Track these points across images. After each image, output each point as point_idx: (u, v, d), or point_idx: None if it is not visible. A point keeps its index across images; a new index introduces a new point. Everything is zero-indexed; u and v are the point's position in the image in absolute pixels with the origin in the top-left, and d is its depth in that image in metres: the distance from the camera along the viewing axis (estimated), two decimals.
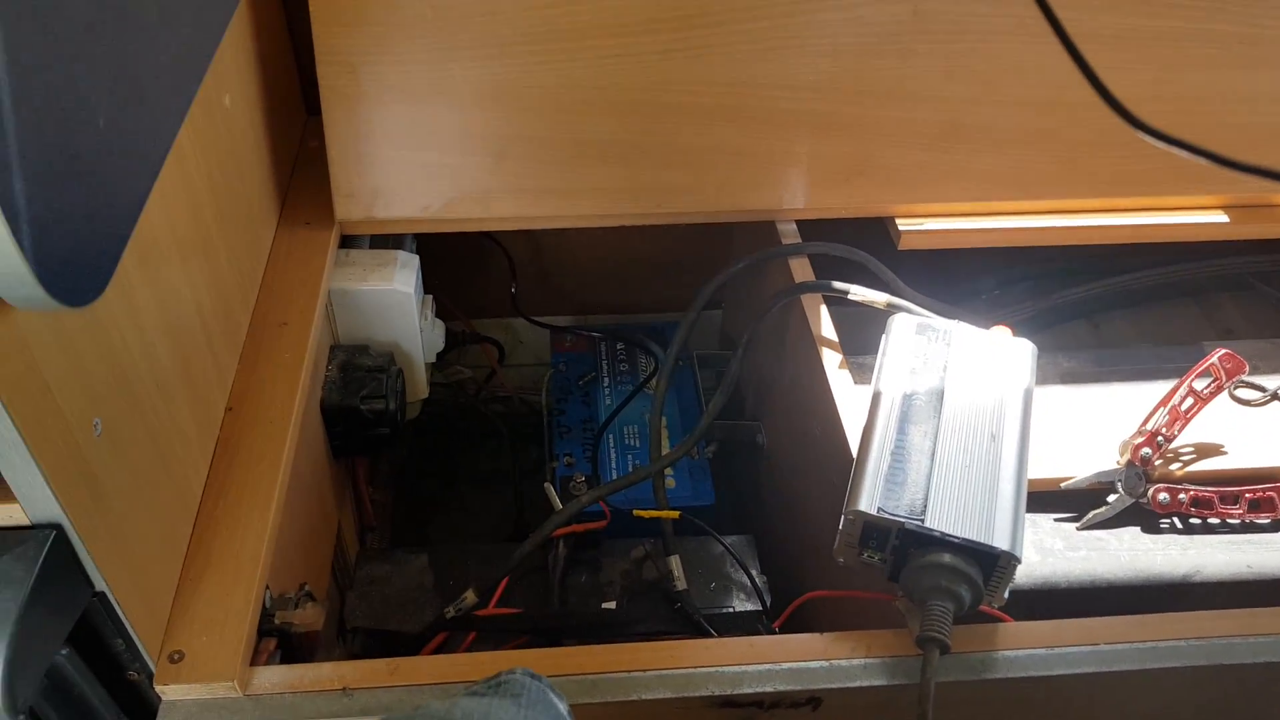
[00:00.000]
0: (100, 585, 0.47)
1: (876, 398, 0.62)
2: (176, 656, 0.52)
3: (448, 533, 1.00)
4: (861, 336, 0.77)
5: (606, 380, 0.97)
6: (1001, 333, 0.68)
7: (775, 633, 0.70)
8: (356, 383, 0.78)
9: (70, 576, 0.45)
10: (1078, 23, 0.73)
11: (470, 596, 0.72)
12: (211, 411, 0.62)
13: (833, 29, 0.73)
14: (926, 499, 0.55)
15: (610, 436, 0.91)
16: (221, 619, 0.55)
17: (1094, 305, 0.98)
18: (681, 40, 0.73)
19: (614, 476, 0.88)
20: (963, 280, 1.01)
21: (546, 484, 0.80)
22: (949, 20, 0.72)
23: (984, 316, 1.01)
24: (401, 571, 0.79)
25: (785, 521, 0.85)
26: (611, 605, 0.75)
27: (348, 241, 0.82)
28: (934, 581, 0.53)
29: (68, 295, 0.35)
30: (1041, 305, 0.98)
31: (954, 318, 0.70)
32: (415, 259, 0.82)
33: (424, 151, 0.76)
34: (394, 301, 0.79)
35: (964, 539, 0.53)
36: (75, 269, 0.36)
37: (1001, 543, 0.53)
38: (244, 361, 0.67)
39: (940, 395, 0.62)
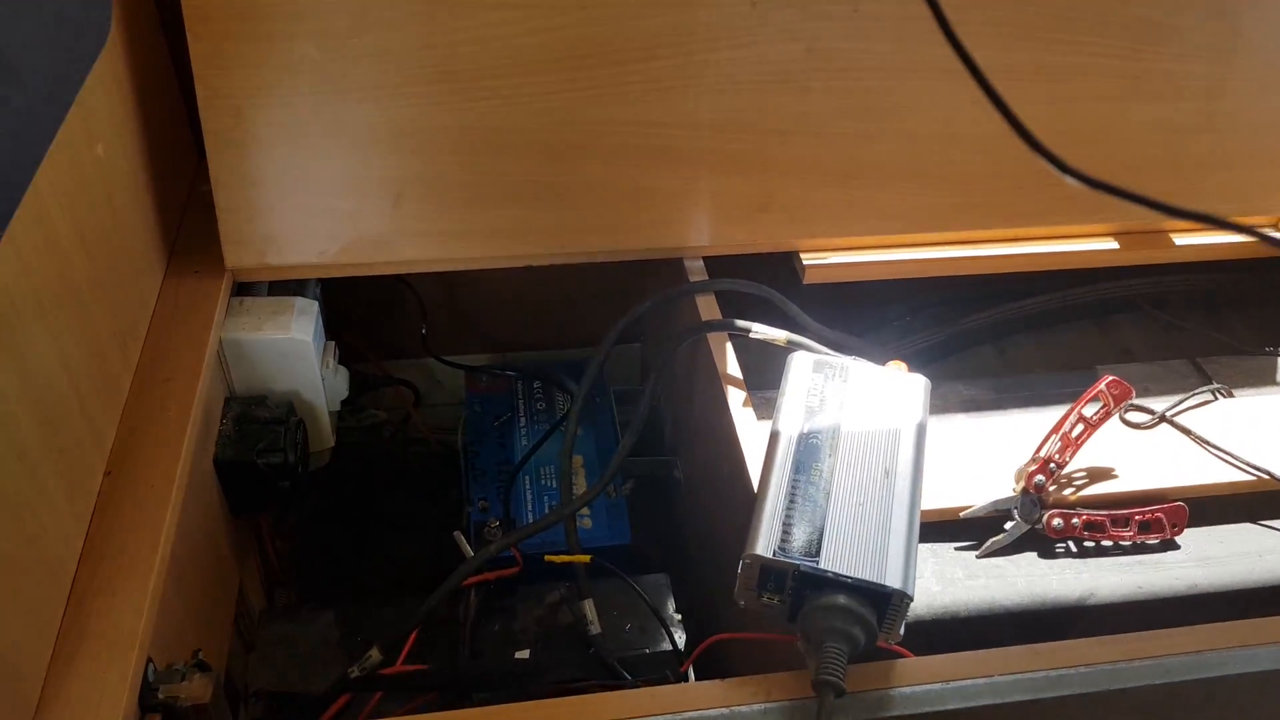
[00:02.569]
0: None
1: (774, 438, 0.62)
2: None
3: (363, 584, 0.96)
4: (770, 369, 0.77)
5: (523, 420, 0.95)
6: (896, 368, 0.68)
7: (683, 676, 0.69)
8: (253, 436, 0.75)
9: None
10: (943, 55, 0.74)
11: (375, 654, 0.69)
12: (87, 477, 0.59)
13: (729, 68, 0.72)
14: (821, 540, 0.55)
15: (526, 478, 0.89)
16: (97, 700, 0.52)
17: (999, 329, 1.00)
18: (579, 80, 0.72)
19: (529, 520, 0.86)
20: (872, 308, 1.03)
21: (456, 532, 0.78)
22: (842, 58, 0.73)
23: (893, 344, 1.03)
24: (307, 629, 0.76)
25: (702, 558, 0.84)
26: (525, 654, 0.74)
27: (244, 289, 0.80)
28: (828, 623, 0.53)
29: None
30: (948, 331, 1.00)
31: (853, 352, 0.70)
32: (314, 305, 0.79)
33: (317, 196, 0.74)
34: (291, 350, 0.77)
35: (857, 579, 0.53)
36: None
37: (894, 581, 0.53)
38: (125, 422, 0.64)
39: (836, 433, 0.62)
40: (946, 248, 0.83)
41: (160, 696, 0.56)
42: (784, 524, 0.56)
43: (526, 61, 0.71)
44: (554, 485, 0.89)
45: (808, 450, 0.60)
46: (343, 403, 0.88)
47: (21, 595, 0.50)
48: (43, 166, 0.54)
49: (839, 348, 0.79)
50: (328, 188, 0.74)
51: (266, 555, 0.85)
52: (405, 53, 0.70)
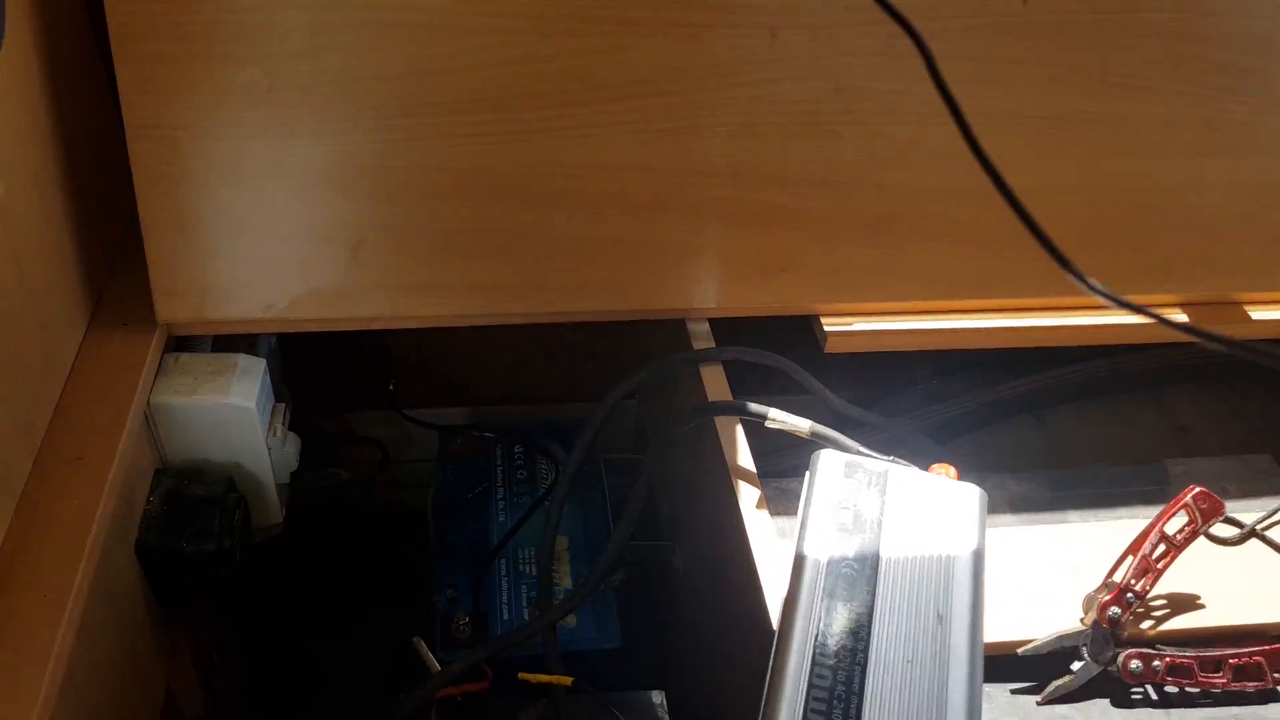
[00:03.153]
0: None
1: (800, 564, 0.51)
2: None
3: (316, 679, 0.86)
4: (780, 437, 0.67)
5: (501, 491, 0.85)
6: (944, 475, 0.57)
7: None
8: (182, 518, 0.64)
9: None
10: (1001, 101, 0.65)
11: None
12: None
13: (746, 108, 0.62)
14: (860, 714, 0.44)
15: (502, 563, 0.79)
16: None
17: (1040, 399, 0.90)
18: (568, 117, 0.62)
19: (504, 612, 0.75)
20: (897, 368, 0.93)
21: (417, 639, 0.67)
22: (875, 100, 0.63)
23: (918, 411, 0.92)
24: None
25: (703, 676, 0.73)
26: None
27: (183, 344, 0.70)
28: None
29: None
30: (982, 399, 0.90)
31: (890, 440, 0.60)
32: (261, 364, 0.69)
33: (264, 242, 0.64)
34: (231, 417, 0.67)
35: None
36: None
37: None
38: (20, 515, 0.54)
39: (875, 563, 0.51)
40: (989, 316, 0.73)
41: None
42: (810, 688, 0.46)
43: (506, 95, 0.61)
44: (533, 573, 0.78)
45: (840, 585, 0.50)
46: (301, 460, 0.78)
47: None
48: None
49: (873, 434, 0.69)
50: (277, 233, 0.64)
51: (203, 648, 0.74)
52: (365, 82, 0.60)
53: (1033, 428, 0.87)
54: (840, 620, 0.49)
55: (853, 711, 0.44)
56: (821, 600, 0.50)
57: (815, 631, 0.48)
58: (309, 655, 0.86)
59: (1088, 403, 0.86)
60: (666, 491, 0.84)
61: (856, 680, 0.46)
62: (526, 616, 0.75)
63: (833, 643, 0.48)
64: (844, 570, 0.50)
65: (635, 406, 0.98)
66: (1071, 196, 0.68)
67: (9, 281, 0.54)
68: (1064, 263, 0.38)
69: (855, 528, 0.53)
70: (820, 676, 0.47)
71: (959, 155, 0.66)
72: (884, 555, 0.52)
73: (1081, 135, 0.66)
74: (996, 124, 0.65)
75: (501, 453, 0.87)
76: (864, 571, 0.51)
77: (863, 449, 0.61)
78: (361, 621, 0.88)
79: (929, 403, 0.91)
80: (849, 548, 0.51)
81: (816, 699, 0.45)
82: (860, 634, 0.48)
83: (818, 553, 0.51)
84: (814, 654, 0.48)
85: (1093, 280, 0.39)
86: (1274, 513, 0.65)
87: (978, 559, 0.51)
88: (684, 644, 0.80)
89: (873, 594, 0.50)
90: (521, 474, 0.86)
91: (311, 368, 0.87)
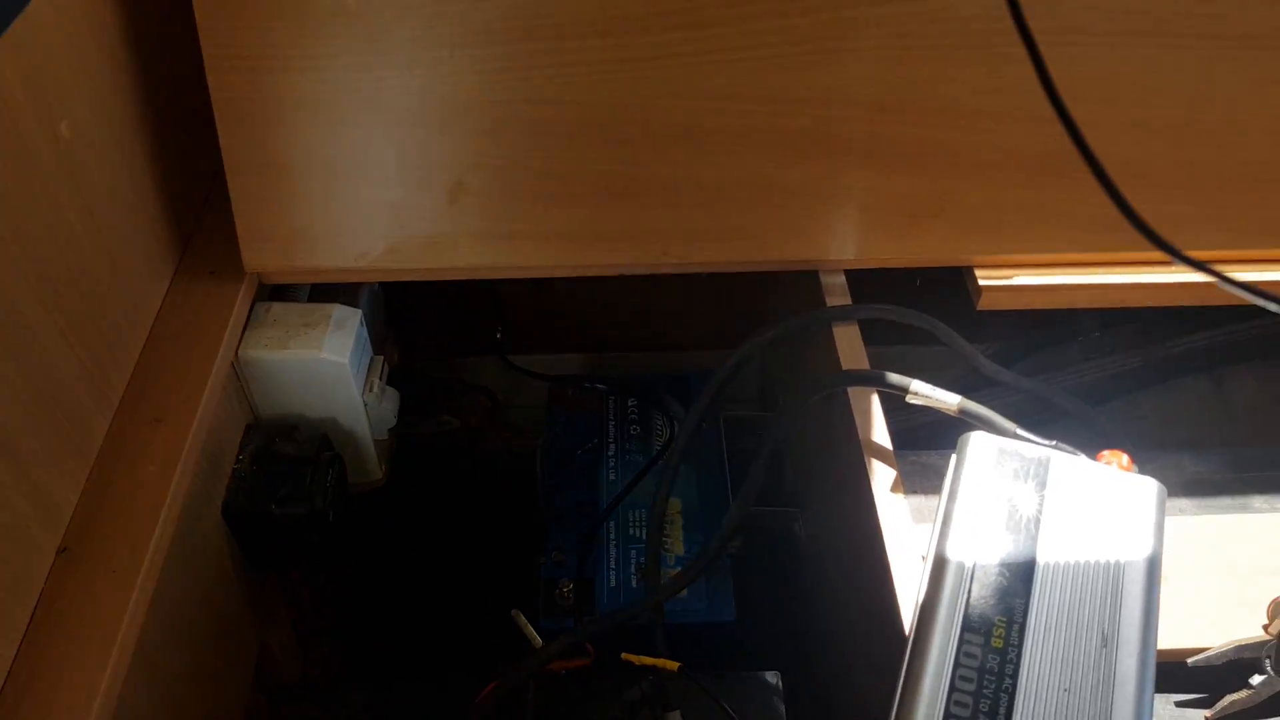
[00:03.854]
0: None
1: (941, 567, 0.44)
2: None
3: (414, 638, 0.83)
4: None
5: (612, 448, 0.79)
6: (1115, 466, 0.48)
7: None
8: (273, 479, 0.61)
9: None
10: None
11: None
12: (27, 566, 0.46)
13: (899, 27, 0.52)
14: None
15: (611, 525, 0.73)
16: None
17: (1219, 356, 0.79)
18: (694, 41, 0.54)
19: (610, 579, 0.70)
20: (1055, 317, 0.82)
21: (514, 612, 0.63)
22: (1061, 17, 0.52)
23: (1077, 366, 0.81)
24: (330, 716, 0.63)
25: (824, 658, 0.67)
26: None
27: (279, 293, 0.65)
28: None
29: None
30: (1153, 356, 0.80)
31: (1040, 402, 0.51)
32: (356, 315, 0.64)
33: (355, 183, 0.58)
34: (323, 372, 0.62)
35: None
36: None
37: None
38: (94, 479, 0.51)
39: (1030, 570, 0.44)
40: (1180, 270, 0.61)
41: None
42: (947, 716, 0.39)
43: (623, 16, 0.53)
44: (644, 537, 0.73)
45: (987, 593, 0.43)
46: (410, 407, 0.74)
47: None
48: None
49: (1013, 394, 0.60)
50: (368, 174, 0.58)
51: (299, 604, 0.72)
52: (467, 4, 0.52)
53: (1208, 389, 0.77)
54: (986, 637, 0.42)
55: None
56: (965, 611, 0.43)
57: (955, 648, 0.42)
58: (409, 617, 0.83)
59: (1270, 362, 0.76)
60: (791, 454, 0.76)
61: (1002, 710, 0.40)
62: (634, 584, 0.70)
63: (976, 663, 0.42)
64: (992, 576, 0.43)
65: (759, 365, 0.90)
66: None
67: (77, 229, 0.50)
68: None
69: (1008, 527, 0.46)
70: (960, 704, 0.41)
71: (1159, 83, 0.55)
72: (1041, 561, 0.45)
73: None
74: (1187, 46, 0.54)
75: (614, 406, 0.82)
76: (1016, 578, 0.44)
77: (1020, 431, 0.53)
78: (466, 579, 0.84)
79: (1090, 357, 0.81)
80: (1000, 551, 0.44)
81: (956, 716, 0.39)
82: (1009, 655, 0.42)
83: (962, 555, 0.44)
84: (953, 675, 0.42)
85: None
86: None
87: (1152, 569, 0.43)
88: (805, 620, 0.73)
89: (1026, 607, 0.44)
90: (634, 429, 0.80)
91: (418, 313, 0.83)
